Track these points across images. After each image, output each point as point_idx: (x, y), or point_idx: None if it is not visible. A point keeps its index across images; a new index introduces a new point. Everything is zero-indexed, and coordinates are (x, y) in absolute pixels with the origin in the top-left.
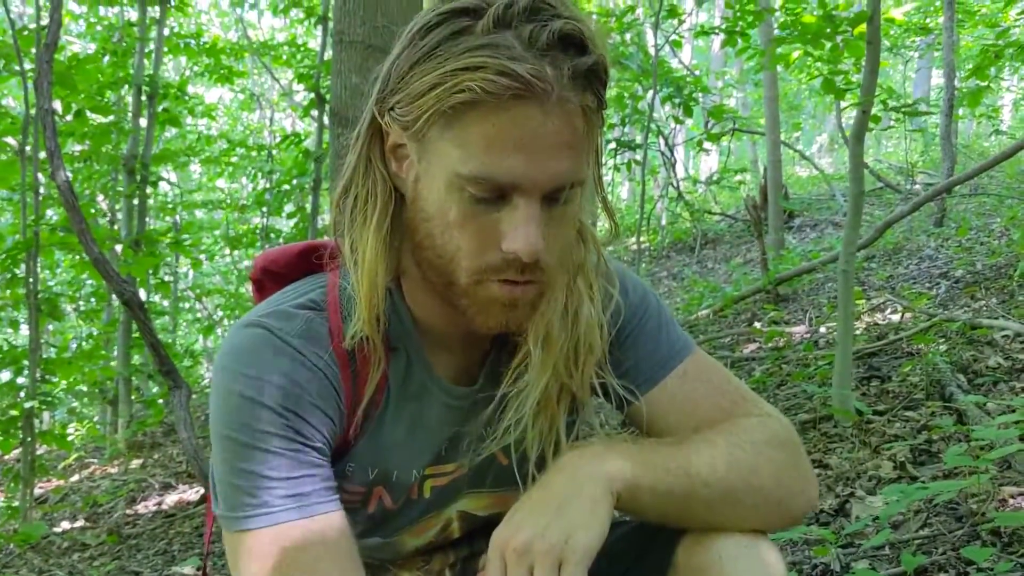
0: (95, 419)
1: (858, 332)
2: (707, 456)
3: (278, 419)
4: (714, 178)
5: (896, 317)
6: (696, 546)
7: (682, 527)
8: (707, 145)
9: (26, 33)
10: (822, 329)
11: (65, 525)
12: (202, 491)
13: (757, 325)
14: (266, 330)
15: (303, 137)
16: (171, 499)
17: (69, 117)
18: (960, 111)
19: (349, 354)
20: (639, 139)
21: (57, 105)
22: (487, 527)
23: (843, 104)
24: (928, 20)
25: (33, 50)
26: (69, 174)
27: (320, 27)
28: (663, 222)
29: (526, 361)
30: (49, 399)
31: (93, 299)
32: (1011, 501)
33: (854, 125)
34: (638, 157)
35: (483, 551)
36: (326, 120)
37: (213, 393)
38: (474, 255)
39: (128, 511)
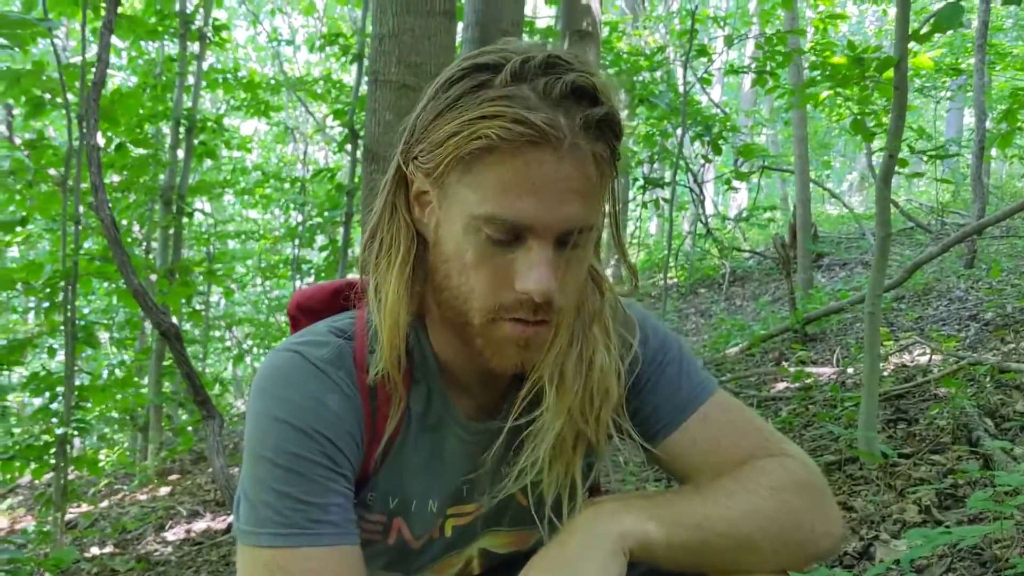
0: (125, 445)
1: (886, 374)
2: (723, 506)
3: (311, 443)
4: (743, 215)
5: (924, 359)
6: None
7: (701, 574)
8: (736, 183)
9: (71, 68)
10: (849, 370)
11: (95, 551)
12: (230, 520)
13: (784, 365)
14: (300, 355)
15: (335, 171)
16: (199, 527)
17: (111, 149)
18: (992, 152)
19: (371, 387)
20: (668, 176)
21: (99, 138)
22: (507, 565)
23: (873, 145)
24: (960, 60)
25: (77, 84)
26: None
27: (355, 64)
28: (691, 258)
29: (532, 396)
30: (82, 425)
31: (127, 327)
32: None
33: (881, 169)
34: (666, 194)
35: None
36: (359, 155)
37: (249, 414)
38: (488, 295)
39: (156, 538)
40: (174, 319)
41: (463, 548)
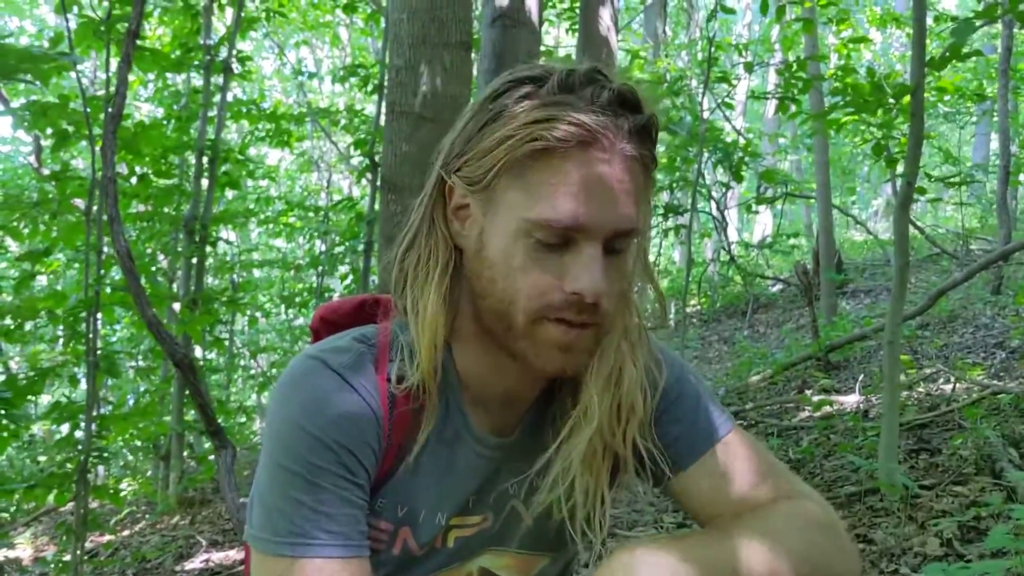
0: (148, 474)
1: (909, 403)
2: (754, 547)
3: (328, 452)
4: (767, 242)
5: (948, 387)
6: None
7: None
8: (761, 208)
9: (95, 101)
10: (873, 398)
11: None
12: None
13: (807, 393)
14: (321, 362)
15: (357, 201)
16: (217, 556)
17: (134, 180)
18: (1020, 178)
19: (390, 395)
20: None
21: (123, 168)
22: None
23: (897, 170)
24: (984, 86)
25: (102, 116)
26: (130, 236)
27: (377, 94)
28: (714, 285)
29: (555, 416)
30: (105, 455)
31: (151, 355)
32: None
33: (899, 196)
34: (686, 222)
35: None
36: (379, 184)
37: (268, 421)
38: (535, 296)
39: (176, 567)
40: (197, 348)
41: (463, 562)
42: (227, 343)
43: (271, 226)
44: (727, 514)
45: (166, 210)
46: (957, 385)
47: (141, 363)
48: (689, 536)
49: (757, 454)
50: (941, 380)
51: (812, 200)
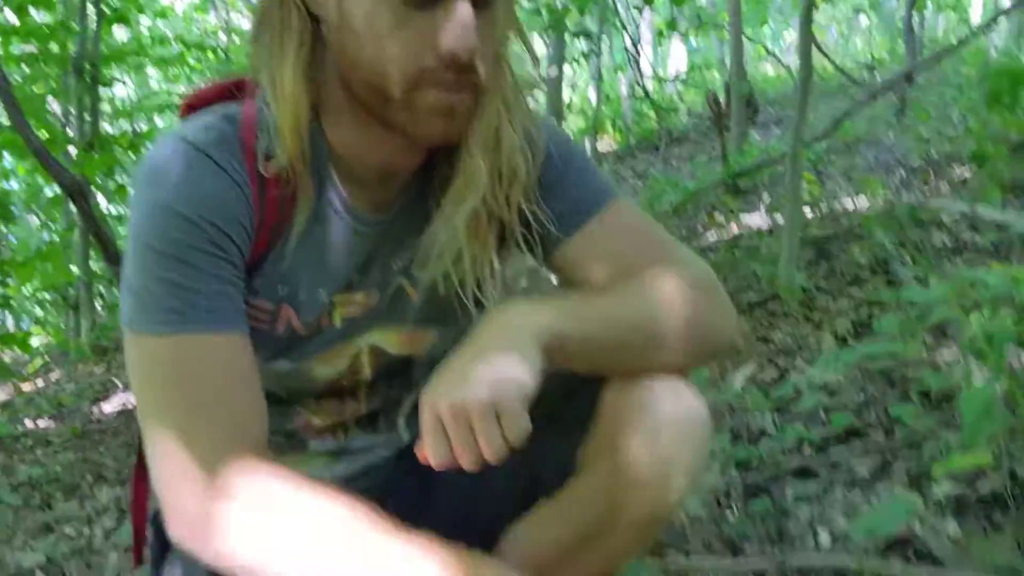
0: (61, 327)
1: (813, 224)
2: (631, 302)
3: (196, 230)
4: (681, 76)
5: (851, 205)
6: (624, 387)
7: (611, 374)
8: (674, 37)
9: None
10: (779, 217)
11: (29, 425)
12: None
13: (716, 216)
14: (185, 141)
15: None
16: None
17: (10, 13)
18: (928, 5)
19: (259, 173)
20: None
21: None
22: (398, 375)
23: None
24: None
25: None
26: (16, 81)
27: None
28: (629, 121)
29: (431, 186)
30: (10, 301)
31: (52, 208)
32: (945, 367)
33: (803, 7)
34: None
35: (394, 401)
36: None
37: (133, 204)
38: (408, 62)
39: (93, 410)
40: (101, 198)
41: (352, 339)
42: (128, 190)
43: (171, 70)
44: (610, 280)
45: (53, 49)
46: (858, 200)
47: (42, 216)
48: (563, 296)
49: (642, 222)
50: (843, 195)
51: (724, 31)
